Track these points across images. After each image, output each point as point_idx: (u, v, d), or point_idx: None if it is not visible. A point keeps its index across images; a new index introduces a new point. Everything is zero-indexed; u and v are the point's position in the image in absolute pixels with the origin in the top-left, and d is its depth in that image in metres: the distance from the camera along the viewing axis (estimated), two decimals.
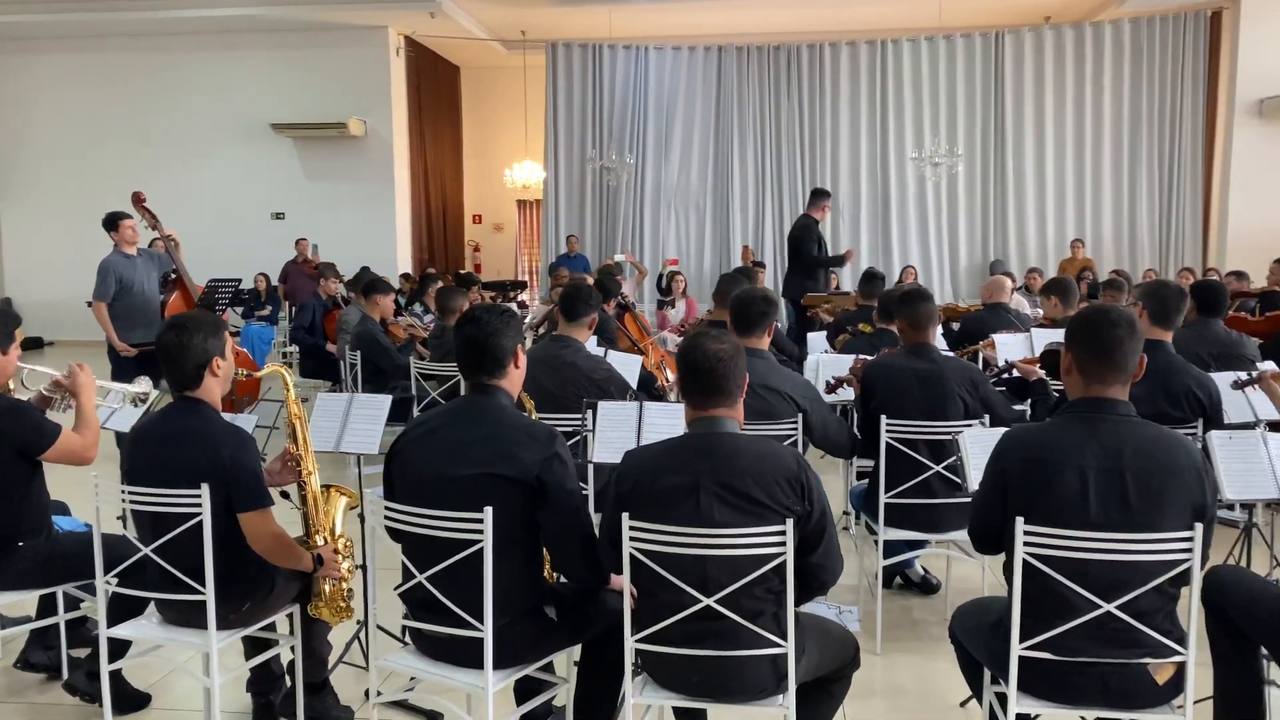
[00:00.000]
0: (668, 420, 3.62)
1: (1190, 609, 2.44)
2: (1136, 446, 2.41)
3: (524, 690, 2.93)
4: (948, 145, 13.42)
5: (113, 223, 6.64)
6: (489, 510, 2.50)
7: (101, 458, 3.61)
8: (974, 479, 3.32)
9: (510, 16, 14.23)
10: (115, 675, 3.24)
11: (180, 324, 2.97)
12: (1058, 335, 5.08)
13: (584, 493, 2.90)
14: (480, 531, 2.52)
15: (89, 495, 2.98)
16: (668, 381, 6.64)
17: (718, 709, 2.62)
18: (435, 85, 16.27)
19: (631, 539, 2.46)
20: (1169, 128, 13.80)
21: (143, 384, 4.17)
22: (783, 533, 2.40)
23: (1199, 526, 2.36)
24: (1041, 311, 7.62)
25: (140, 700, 3.55)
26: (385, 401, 3.80)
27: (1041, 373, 4.50)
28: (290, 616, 3.17)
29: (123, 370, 6.58)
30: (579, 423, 3.94)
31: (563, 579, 2.91)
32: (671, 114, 14.61)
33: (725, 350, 2.53)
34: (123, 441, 4.07)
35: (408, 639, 2.86)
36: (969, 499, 3.34)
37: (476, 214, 18.35)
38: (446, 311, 6.60)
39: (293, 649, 3.21)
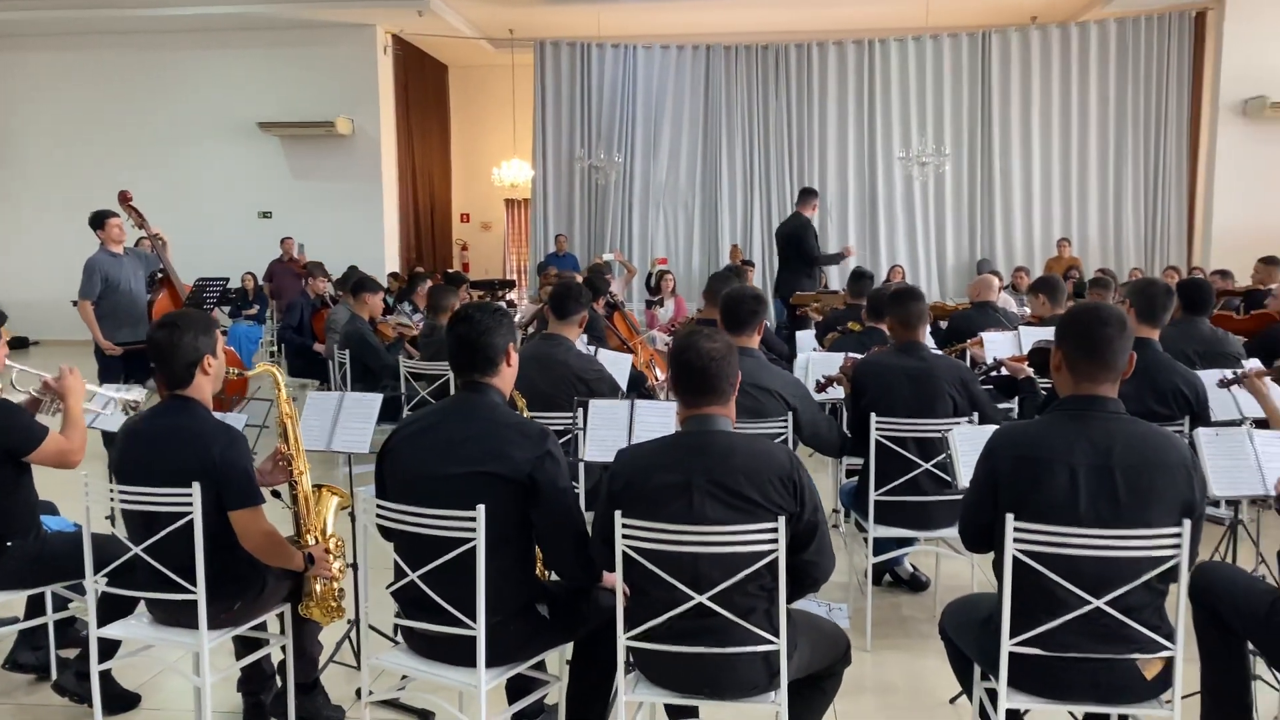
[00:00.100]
0: (659, 418, 3.63)
1: (1179, 605, 2.46)
2: (1126, 444, 2.43)
3: (516, 688, 2.93)
4: (935, 145, 13.47)
5: (99, 221, 6.61)
6: (481, 508, 2.50)
7: (89, 457, 3.59)
8: (964, 476, 3.34)
9: (498, 15, 14.21)
10: (105, 675, 3.22)
11: (172, 322, 2.97)
12: (1045, 333, 5.12)
13: (575, 491, 2.90)
14: (473, 530, 2.52)
15: (78, 495, 2.97)
16: (657, 380, 6.65)
17: (710, 706, 2.63)
18: (423, 84, 16.23)
19: (624, 537, 2.47)
20: (1154, 127, 13.88)
21: (135, 392, 4.15)
22: (774, 530, 2.41)
23: (1187, 523, 2.38)
24: (1029, 310, 7.67)
25: (130, 700, 3.54)
26: (376, 400, 3.79)
27: (1030, 370, 4.53)
28: (281, 616, 3.17)
29: (110, 370, 6.56)
30: (570, 421, 3.94)
31: (555, 577, 2.92)
32: (660, 113, 14.61)
33: (718, 349, 2.54)
34: (110, 441, 4.06)
35: (399, 638, 2.87)
36: (958, 496, 3.35)
37: (464, 213, 18.32)
38: (438, 310, 6.59)
39: (283, 648, 3.20)
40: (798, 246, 9.58)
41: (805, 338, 6.72)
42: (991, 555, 2.62)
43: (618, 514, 2.46)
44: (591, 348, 5.22)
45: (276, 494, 3.26)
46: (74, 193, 13.43)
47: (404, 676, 2.84)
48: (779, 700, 2.50)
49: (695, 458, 2.48)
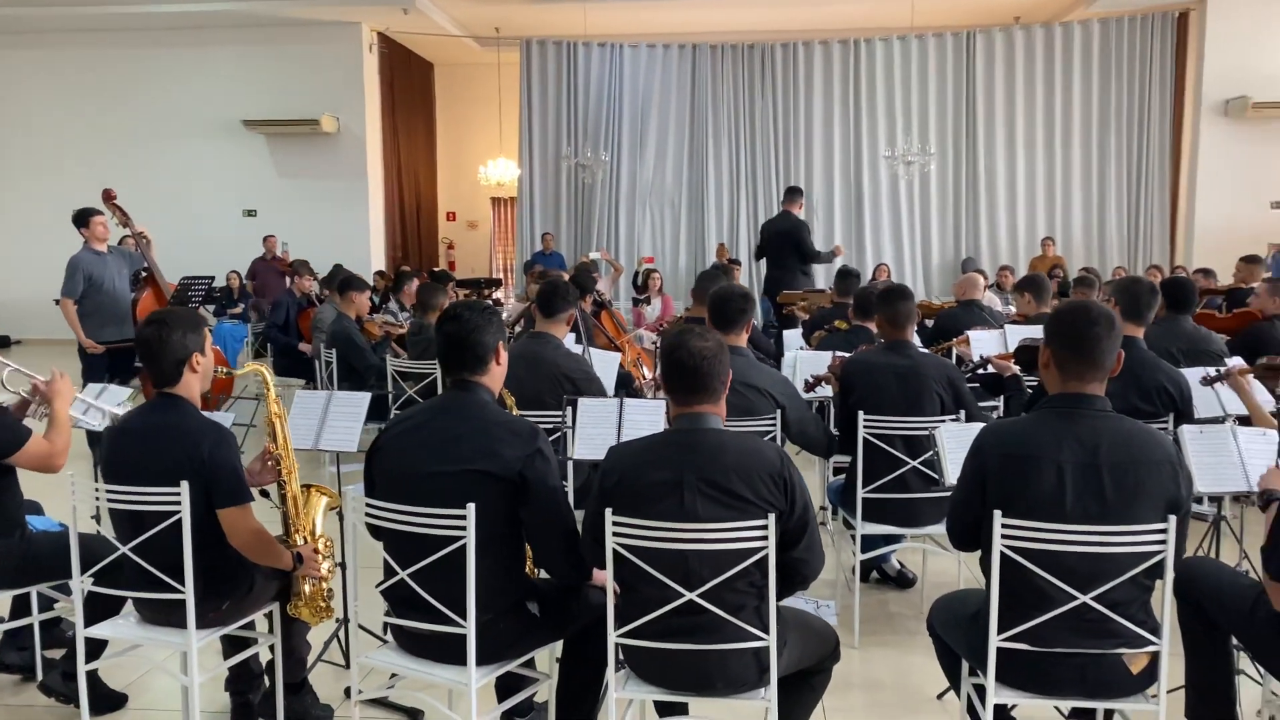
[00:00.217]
0: (648, 417, 3.64)
1: (1164, 600, 2.48)
2: (1113, 441, 2.45)
3: (506, 686, 2.93)
4: (920, 144, 13.52)
5: (83, 219, 6.57)
6: (472, 507, 2.50)
7: (74, 456, 3.57)
8: (950, 474, 3.36)
9: (484, 13, 14.18)
10: (91, 675, 3.20)
11: (160, 319, 2.95)
12: (1031, 331, 5.15)
13: (565, 489, 2.90)
14: (463, 528, 2.52)
15: (64, 494, 2.95)
16: (644, 379, 6.65)
17: (699, 702, 2.64)
18: (409, 82, 16.19)
19: (615, 534, 2.47)
20: (1137, 127, 13.98)
21: (121, 405, 4.12)
22: (765, 527, 2.42)
23: (1172, 519, 2.40)
24: (1014, 309, 7.70)
25: (117, 700, 3.52)
26: (364, 399, 3.78)
27: (1016, 368, 4.55)
28: (269, 615, 3.16)
29: (94, 369, 6.52)
30: (559, 419, 3.94)
31: (544, 574, 2.92)
32: (646, 112, 14.62)
33: (710, 348, 2.55)
34: (95, 440, 4.04)
35: (388, 636, 2.86)
36: (945, 494, 3.37)
37: (450, 211, 18.28)
38: (427, 308, 6.57)
39: (271, 648, 3.19)
40: (796, 245, 9.64)
41: (792, 336, 6.75)
42: (978, 552, 2.64)
43: (608, 511, 2.47)
44: (580, 346, 5.21)
45: (265, 494, 3.25)
46: (57, 190, 13.33)
47: (393, 675, 2.83)
48: (769, 697, 2.51)
49: (686, 455, 2.49)
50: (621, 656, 2.62)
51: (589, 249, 14.17)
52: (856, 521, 4.03)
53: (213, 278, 11.68)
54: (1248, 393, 4.09)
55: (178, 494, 2.77)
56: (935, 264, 14.53)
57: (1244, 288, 8.05)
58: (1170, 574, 2.44)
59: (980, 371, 4.91)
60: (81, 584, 2.99)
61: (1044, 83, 14.06)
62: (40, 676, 3.58)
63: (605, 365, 5.09)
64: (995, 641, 2.50)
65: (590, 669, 2.85)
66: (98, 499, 2.97)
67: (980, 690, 2.63)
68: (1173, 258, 13.80)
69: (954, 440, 3.45)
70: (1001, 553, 2.46)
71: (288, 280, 10.97)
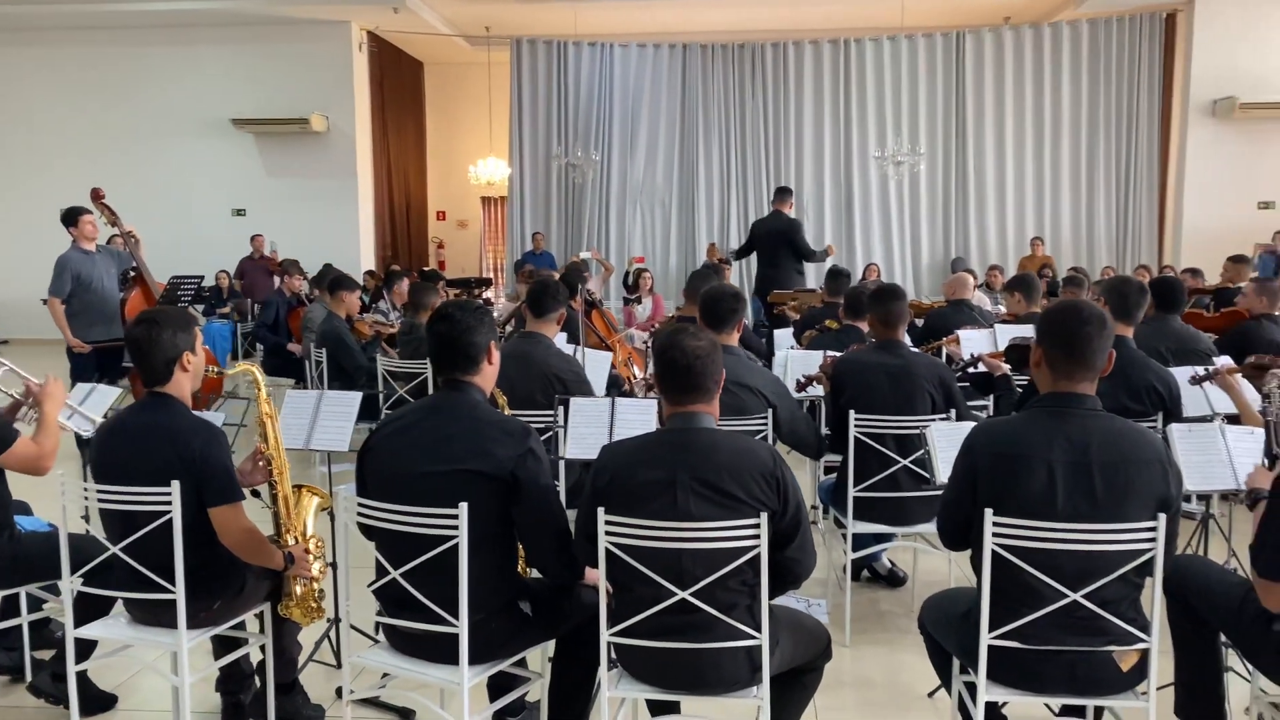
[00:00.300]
0: (639, 416, 3.64)
1: (1154, 597, 2.49)
2: (1103, 441, 2.46)
3: (498, 686, 2.93)
4: (910, 144, 13.56)
5: (72, 218, 6.54)
6: (464, 506, 2.50)
7: (64, 456, 3.55)
8: (941, 472, 3.37)
9: (474, 12, 14.16)
10: (81, 676, 3.19)
11: (150, 318, 2.94)
12: (1021, 331, 5.17)
13: (557, 488, 2.90)
14: (455, 527, 2.52)
15: (53, 494, 2.93)
16: (635, 378, 6.66)
17: (692, 701, 2.64)
18: (398, 81, 16.15)
19: (608, 533, 2.47)
20: (1126, 127, 14.04)
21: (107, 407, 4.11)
22: (757, 526, 2.43)
23: (1162, 517, 2.42)
24: (1003, 308, 7.73)
25: (106, 701, 3.51)
26: (355, 399, 3.78)
27: (1006, 367, 4.57)
28: (260, 615, 3.15)
29: (82, 368, 6.50)
30: (550, 418, 3.94)
31: (537, 574, 2.92)
32: (637, 111, 14.62)
33: (703, 347, 2.56)
34: (83, 442, 4.02)
35: (380, 636, 2.86)
36: (936, 492, 3.39)
37: (440, 210, 18.24)
38: (419, 308, 6.56)
39: (263, 648, 3.19)
40: (792, 244, 9.70)
41: (783, 336, 6.76)
42: (969, 551, 2.65)
43: (600, 510, 2.47)
44: (572, 346, 5.21)
45: (256, 494, 3.24)
46: (45, 189, 13.26)
47: (385, 675, 2.83)
48: (761, 695, 2.52)
49: (679, 454, 2.49)
50: (614, 655, 2.62)
51: (579, 248, 14.15)
52: (848, 520, 4.04)
53: (202, 277, 11.65)
54: (1237, 391, 4.11)
55: (168, 494, 2.76)
56: (925, 263, 14.56)
57: (1231, 287, 8.10)
58: (1160, 572, 2.45)
59: (971, 370, 4.93)
60: (71, 584, 2.98)
61: (1033, 83, 14.11)
62: (29, 677, 3.56)
63: (597, 365, 5.09)
64: (986, 639, 2.51)
65: (582, 668, 2.85)
66: (87, 499, 2.95)
67: (971, 688, 2.64)
68: (1161, 257, 13.87)
69: (945, 439, 3.47)
70: (992, 551, 2.47)
71: (277, 280, 10.94)
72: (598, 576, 2.56)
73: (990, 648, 2.51)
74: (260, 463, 3.14)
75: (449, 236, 18.31)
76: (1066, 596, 2.44)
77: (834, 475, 4.35)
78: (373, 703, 3.40)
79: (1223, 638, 2.93)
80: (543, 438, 3.05)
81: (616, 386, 5.73)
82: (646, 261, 13.94)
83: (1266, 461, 3.15)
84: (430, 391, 5.34)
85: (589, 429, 3.70)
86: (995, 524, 2.45)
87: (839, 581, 4.51)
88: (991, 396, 5.17)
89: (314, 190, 14.40)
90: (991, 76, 14.17)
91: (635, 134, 14.63)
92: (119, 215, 6.86)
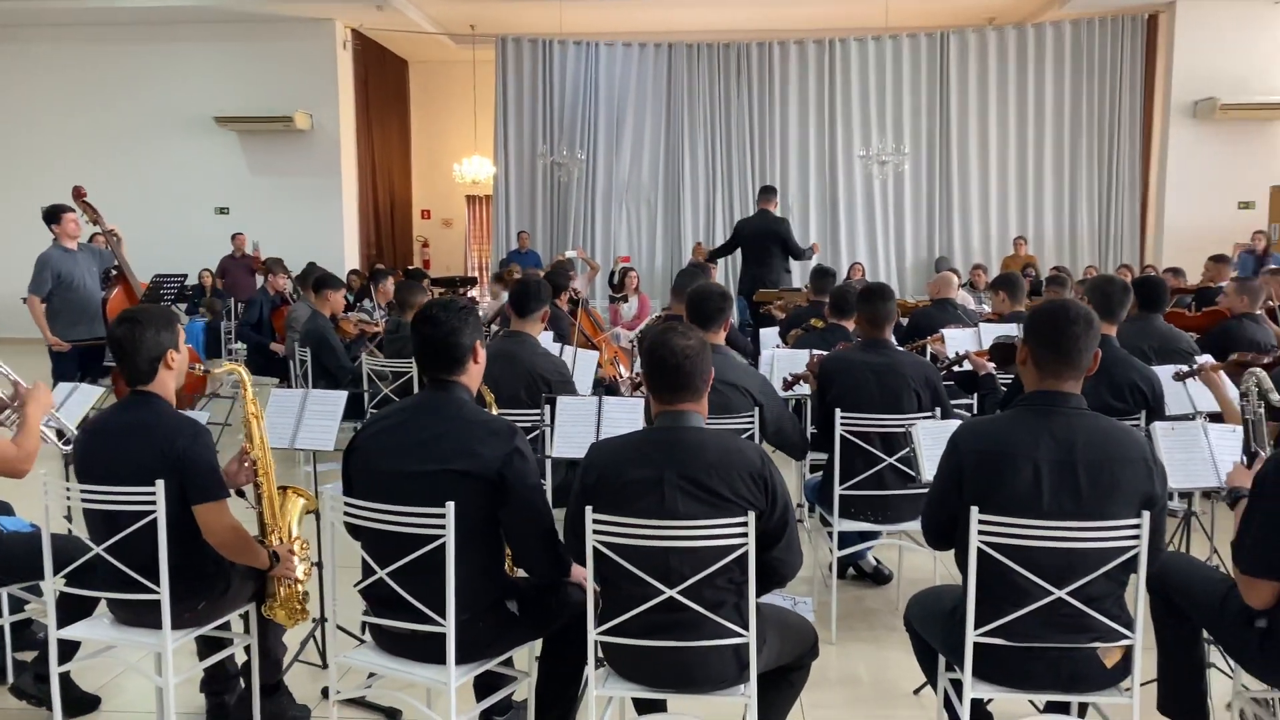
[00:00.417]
0: (627, 415, 3.64)
1: (1138, 594, 2.51)
2: (1088, 439, 2.48)
3: (484, 685, 2.93)
4: (894, 144, 13.60)
5: (55, 215, 6.49)
6: (451, 505, 2.50)
7: (47, 456, 3.52)
8: (927, 471, 3.39)
9: (459, 11, 14.12)
10: (64, 677, 3.17)
11: (132, 317, 2.92)
12: (1005, 330, 5.20)
13: (544, 488, 2.89)
14: (442, 527, 2.51)
15: (35, 494, 2.91)
16: (620, 377, 6.65)
17: (679, 699, 2.64)
18: (383, 79, 16.09)
19: (595, 531, 2.47)
20: (1108, 127, 14.12)
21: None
22: (744, 524, 2.43)
23: (1146, 515, 2.43)
24: (987, 307, 7.77)
25: (90, 703, 3.48)
26: (341, 398, 3.76)
27: (991, 366, 4.59)
28: (245, 616, 3.13)
29: (64, 367, 6.46)
30: (536, 418, 3.94)
31: (522, 572, 2.91)
32: (622, 110, 14.61)
33: (693, 347, 2.56)
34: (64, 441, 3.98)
35: (367, 636, 2.85)
36: (922, 490, 3.40)
37: (425, 209, 18.19)
38: (406, 307, 6.54)
39: (247, 649, 3.17)
40: (782, 242, 9.73)
41: (769, 335, 6.77)
42: (953, 550, 2.66)
43: (589, 509, 2.47)
44: (558, 345, 5.21)
45: (241, 494, 3.22)
46: (26, 187, 13.16)
47: (371, 674, 2.82)
48: (749, 693, 2.52)
49: (667, 453, 2.50)
50: (601, 654, 2.62)
51: (565, 247, 14.14)
52: (833, 518, 4.05)
53: (185, 276, 11.58)
54: (1220, 388, 4.14)
55: (153, 493, 2.74)
56: (909, 263, 14.62)
57: (1213, 287, 8.16)
58: (1144, 569, 2.47)
59: (955, 369, 4.95)
60: (54, 585, 2.95)
61: (1016, 83, 14.18)
62: (11, 679, 3.53)
63: (584, 364, 5.09)
64: (972, 636, 2.52)
65: (569, 667, 2.85)
66: (69, 499, 2.93)
67: (957, 685, 2.65)
68: (1142, 257, 13.96)
69: (930, 437, 3.48)
70: (978, 549, 2.48)
71: (260, 278, 10.88)
72: (583, 573, 2.56)
73: (976, 645, 2.52)
74: (246, 463, 3.13)
75: (434, 235, 18.26)
76: (1052, 594, 2.46)
77: (820, 474, 4.36)
78: (359, 703, 3.39)
79: (1205, 634, 2.96)
80: (529, 437, 3.05)
81: (602, 385, 5.73)
82: (632, 260, 13.94)
83: (1245, 459, 3.18)
84: (415, 390, 5.32)
85: (576, 428, 3.69)
86: (981, 521, 2.46)
87: (824, 579, 4.52)
88: (976, 395, 5.19)
89: (298, 188, 14.33)
90: (975, 76, 14.24)
91: (621, 133, 14.62)
92: (100, 213, 6.81)
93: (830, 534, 4.15)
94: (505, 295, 8.73)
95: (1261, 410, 3.25)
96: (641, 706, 2.87)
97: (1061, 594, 2.45)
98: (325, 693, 3.41)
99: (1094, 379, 3.71)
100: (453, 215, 18.37)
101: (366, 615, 2.75)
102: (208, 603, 2.95)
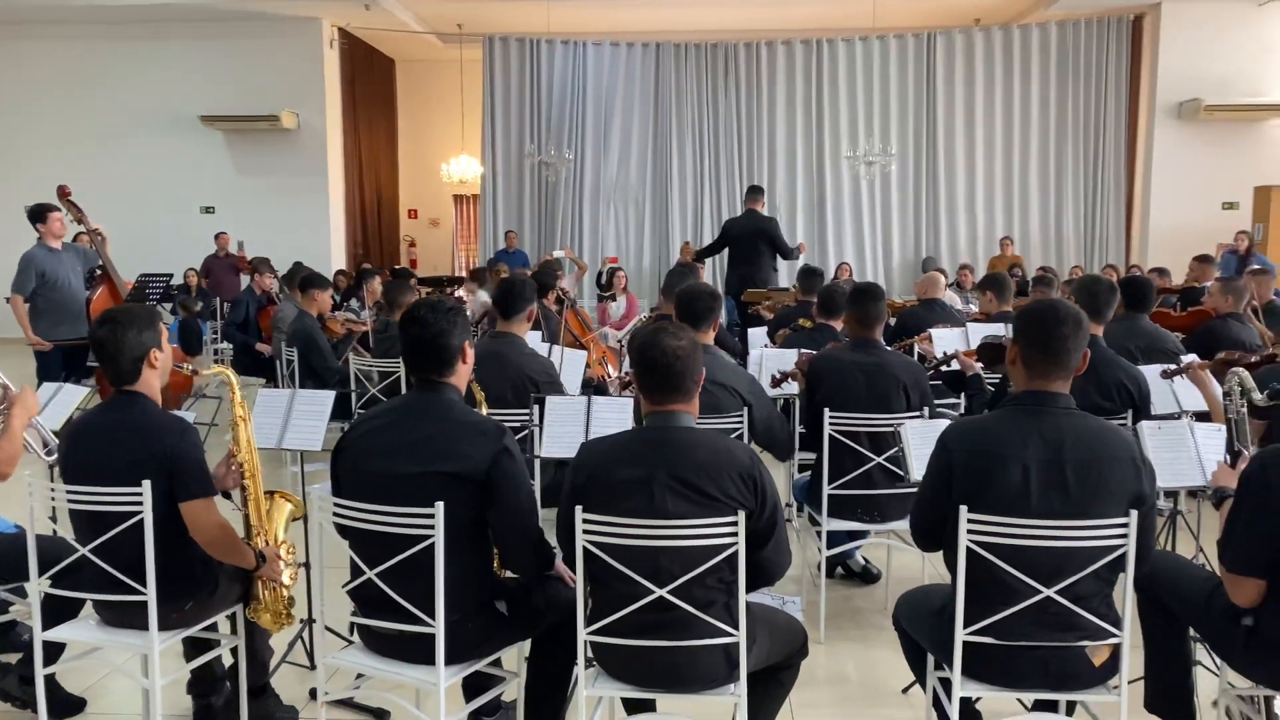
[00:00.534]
0: (615, 414, 3.64)
1: (1126, 593, 2.52)
2: (1076, 439, 2.49)
3: (473, 685, 2.92)
4: (881, 144, 13.63)
5: (40, 214, 6.46)
6: (440, 506, 2.49)
7: (31, 458, 3.50)
8: (915, 470, 3.39)
9: (446, 10, 14.09)
10: (49, 679, 3.14)
11: (113, 318, 2.89)
12: (992, 329, 5.21)
13: (533, 488, 2.89)
14: (431, 527, 2.50)
15: (20, 495, 2.89)
16: (609, 376, 6.65)
17: (668, 699, 2.64)
18: (370, 78, 16.04)
19: (585, 532, 2.47)
20: (1094, 128, 14.19)
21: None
22: (734, 523, 2.43)
23: (1134, 514, 2.44)
24: (974, 307, 7.79)
25: (75, 705, 3.45)
26: (328, 398, 3.74)
27: (979, 366, 4.61)
28: (232, 617, 3.11)
29: (49, 367, 6.42)
30: (525, 418, 3.93)
31: (510, 573, 2.90)
32: (610, 110, 14.60)
33: (684, 347, 2.55)
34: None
35: (354, 637, 2.84)
36: (910, 490, 3.41)
37: (412, 209, 18.14)
38: (395, 306, 6.52)
39: (234, 651, 3.15)
40: (771, 242, 9.75)
41: (757, 335, 6.77)
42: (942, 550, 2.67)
43: (579, 509, 2.46)
44: (546, 345, 5.20)
45: (227, 495, 3.20)
46: (10, 186, 13.06)
47: (360, 675, 2.81)
48: (738, 692, 2.52)
49: (657, 452, 2.49)
50: (590, 654, 2.62)
51: (553, 247, 14.12)
52: (822, 517, 4.05)
53: (170, 275, 11.52)
54: (1207, 386, 4.16)
55: (139, 493, 2.72)
56: (896, 263, 14.66)
57: (1197, 287, 8.21)
58: (1132, 567, 2.48)
59: (944, 369, 4.96)
60: (39, 586, 2.93)
61: (1003, 84, 14.24)
62: None
63: (572, 364, 5.08)
64: (961, 635, 2.53)
65: (558, 667, 2.84)
66: (54, 499, 2.91)
67: (945, 683, 2.66)
68: (1128, 257, 14.04)
69: (919, 437, 3.49)
70: (967, 548, 2.49)
71: (245, 278, 10.83)
72: (568, 571, 2.55)
73: (965, 643, 2.53)
74: (233, 466, 3.10)
75: (421, 235, 18.21)
76: (1040, 592, 2.46)
77: (808, 473, 4.37)
78: (347, 704, 3.38)
79: (1192, 632, 2.97)
80: (518, 437, 3.05)
81: (590, 385, 5.72)
82: (620, 260, 13.94)
83: (1228, 458, 3.20)
84: (403, 390, 5.31)
85: (564, 427, 3.69)
86: (970, 521, 2.47)
87: (813, 578, 4.53)
88: (964, 395, 5.21)
89: (284, 188, 14.27)
90: (962, 77, 14.29)
91: (608, 133, 14.61)
92: (85, 212, 6.76)
93: (819, 533, 4.15)
94: (482, 293, 8.74)
95: (1244, 409, 3.28)
96: (630, 706, 2.86)
97: (1050, 593, 2.46)
98: (313, 694, 3.40)
99: (1082, 379, 3.72)
100: (440, 215, 18.33)
101: (355, 616, 2.74)
102: (195, 603, 2.93)
